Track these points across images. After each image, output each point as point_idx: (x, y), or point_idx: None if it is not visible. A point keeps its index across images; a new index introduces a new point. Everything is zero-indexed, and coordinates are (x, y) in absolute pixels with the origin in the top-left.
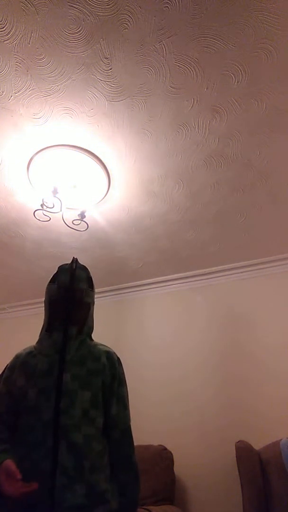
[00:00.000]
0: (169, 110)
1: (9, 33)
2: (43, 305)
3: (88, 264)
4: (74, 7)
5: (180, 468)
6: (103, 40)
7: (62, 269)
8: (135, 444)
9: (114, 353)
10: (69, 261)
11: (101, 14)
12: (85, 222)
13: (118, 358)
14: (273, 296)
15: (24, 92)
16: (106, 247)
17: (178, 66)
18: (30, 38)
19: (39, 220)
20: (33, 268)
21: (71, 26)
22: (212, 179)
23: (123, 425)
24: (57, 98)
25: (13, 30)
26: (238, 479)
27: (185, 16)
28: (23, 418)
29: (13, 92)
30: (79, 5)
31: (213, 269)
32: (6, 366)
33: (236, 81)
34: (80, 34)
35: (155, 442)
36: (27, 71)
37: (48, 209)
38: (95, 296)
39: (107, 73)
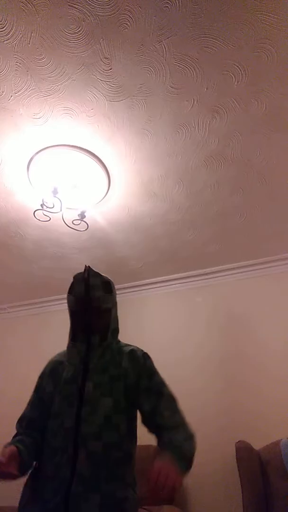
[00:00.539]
0: (169, 110)
1: (9, 33)
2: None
3: (88, 264)
4: (74, 7)
5: None
6: (103, 40)
7: (76, 279)
8: (135, 448)
9: (139, 349)
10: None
11: (101, 14)
12: (85, 222)
13: (143, 353)
14: (273, 296)
15: (24, 92)
16: (106, 247)
17: (178, 66)
18: (30, 38)
19: (39, 220)
20: (33, 268)
21: (71, 26)
22: (212, 179)
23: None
24: (57, 98)
25: (13, 30)
26: (238, 479)
27: (185, 16)
28: (49, 422)
29: (13, 92)
30: (79, 5)
31: (213, 269)
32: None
33: (236, 81)
34: (80, 34)
35: (155, 442)
36: (27, 71)
37: (48, 209)
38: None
39: (107, 73)
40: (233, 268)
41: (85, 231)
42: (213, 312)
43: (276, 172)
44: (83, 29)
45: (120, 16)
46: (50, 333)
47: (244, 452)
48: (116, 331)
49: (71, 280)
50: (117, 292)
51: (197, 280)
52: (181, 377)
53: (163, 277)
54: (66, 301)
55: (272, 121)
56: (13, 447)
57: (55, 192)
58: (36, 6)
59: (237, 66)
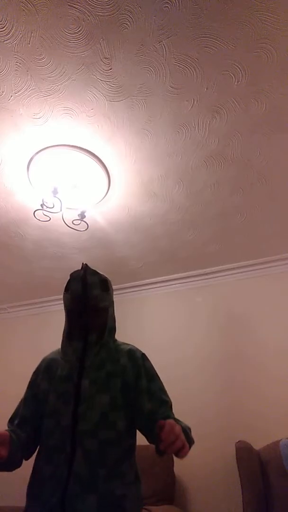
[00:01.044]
0: (169, 110)
1: (9, 33)
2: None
3: (88, 264)
4: (74, 7)
5: (180, 468)
6: (103, 40)
7: (73, 277)
8: (135, 444)
9: (137, 350)
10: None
11: (101, 14)
12: (85, 222)
13: (142, 354)
14: (273, 296)
15: (24, 92)
16: (106, 247)
17: (178, 66)
18: (30, 38)
19: (39, 220)
20: (33, 268)
21: (71, 26)
22: (212, 179)
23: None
24: (57, 98)
25: (13, 30)
26: (238, 479)
27: (185, 16)
28: (45, 421)
29: (13, 92)
30: (79, 5)
31: (213, 269)
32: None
33: (236, 81)
34: (80, 34)
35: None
36: (27, 71)
37: (48, 209)
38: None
39: (107, 73)
40: (233, 268)
41: (85, 231)
42: (213, 312)
43: (276, 172)
44: (83, 29)
45: (120, 16)
46: (50, 333)
47: (244, 452)
48: (113, 329)
49: None
50: (117, 292)
51: (197, 280)
52: (181, 377)
53: (163, 277)
54: None
55: (272, 121)
56: (6, 432)
57: (55, 192)
58: (36, 6)
59: (237, 66)
